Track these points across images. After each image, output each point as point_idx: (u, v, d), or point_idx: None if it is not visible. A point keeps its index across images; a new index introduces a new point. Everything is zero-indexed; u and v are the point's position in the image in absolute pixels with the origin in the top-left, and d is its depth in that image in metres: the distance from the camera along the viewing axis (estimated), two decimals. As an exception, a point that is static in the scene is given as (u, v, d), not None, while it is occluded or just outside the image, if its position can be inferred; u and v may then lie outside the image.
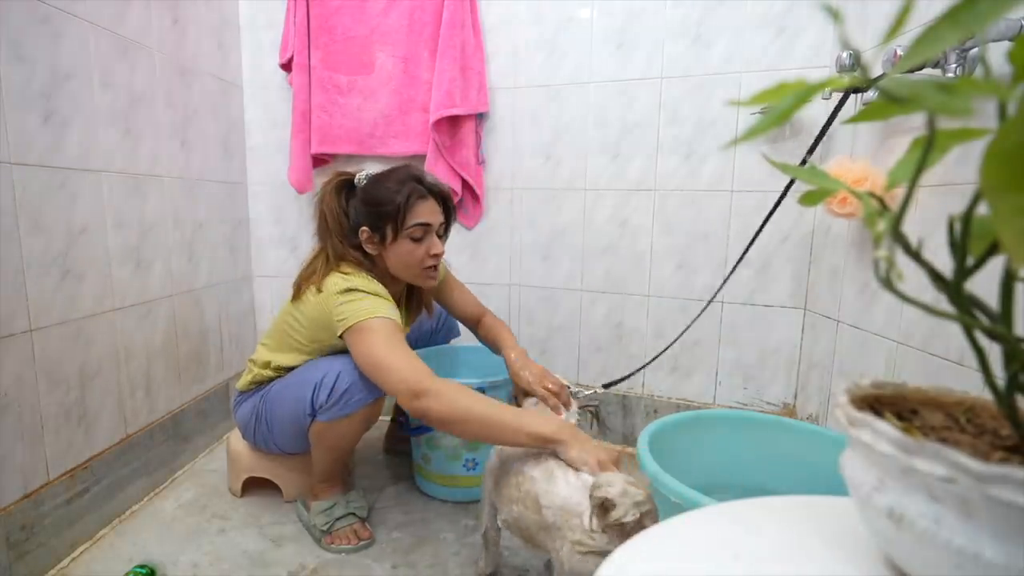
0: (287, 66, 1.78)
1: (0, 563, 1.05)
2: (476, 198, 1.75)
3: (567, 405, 1.15)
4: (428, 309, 1.40)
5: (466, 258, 1.83)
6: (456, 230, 1.81)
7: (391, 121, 1.73)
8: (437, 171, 1.67)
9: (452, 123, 1.67)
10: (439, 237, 1.22)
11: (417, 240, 1.17)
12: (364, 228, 1.18)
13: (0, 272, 1.04)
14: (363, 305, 1.10)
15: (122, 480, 1.35)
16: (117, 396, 1.35)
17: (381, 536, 1.29)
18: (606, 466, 0.89)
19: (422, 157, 1.70)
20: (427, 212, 1.18)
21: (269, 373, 1.29)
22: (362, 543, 1.23)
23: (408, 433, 1.44)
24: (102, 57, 1.27)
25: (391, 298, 1.18)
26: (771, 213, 1.32)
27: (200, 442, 1.66)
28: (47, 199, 1.14)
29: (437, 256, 1.20)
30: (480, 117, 1.71)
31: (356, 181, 1.24)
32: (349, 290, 1.12)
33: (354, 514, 1.27)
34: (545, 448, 0.94)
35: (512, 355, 1.27)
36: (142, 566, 1.12)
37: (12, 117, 1.06)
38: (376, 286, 1.16)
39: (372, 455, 1.69)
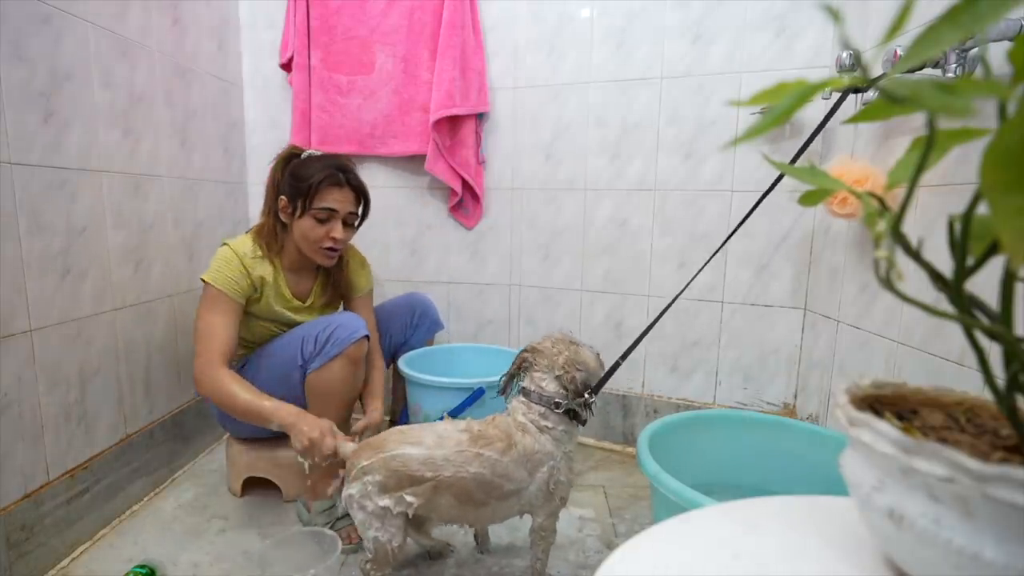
0: (287, 66, 1.78)
1: (0, 563, 1.05)
2: (476, 198, 1.75)
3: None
4: (344, 295, 1.45)
5: (466, 258, 1.83)
6: (456, 230, 1.81)
7: (391, 121, 1.73)
8: (437, 171, 1.67)
9: (452, 123, 1.67)
10: (346, 226, 1.30)
11: (321, 221, 1.26)
12: (283, 197, 1.28)
13: (0, 272, 1.04)
14: (216, 264, 1.24)
15: (122, 480, 1.35)
16: (117, 396, 1.35)
17: (381, 536, 1.29)
18: (325, 435, 1.07)
19: (422, 157, 1.70)
20: (337, 198, 1.26)
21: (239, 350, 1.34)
22: (359, 545, 1.23)
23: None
24: (102, 57, 1.26)
25: (256, 265, 1.27)
26: (752, 210, 1.30)
27: (200, 442, 1.66)
28: (47, 199, 1.14)
29: (335, 240, 1.27)
30: (480, 117, 1.71)
31: (301, 156, 1.31)
32: (224, 243, 1.27)
33: None
34: (285, 428, 1.11)
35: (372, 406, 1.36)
36: (142, 566, 1.12)
37: (12, 117, 1.06)
38: (246, 248, 1.27)
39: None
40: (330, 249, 1.29)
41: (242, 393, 1.14)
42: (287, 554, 1.00)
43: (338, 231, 1.27)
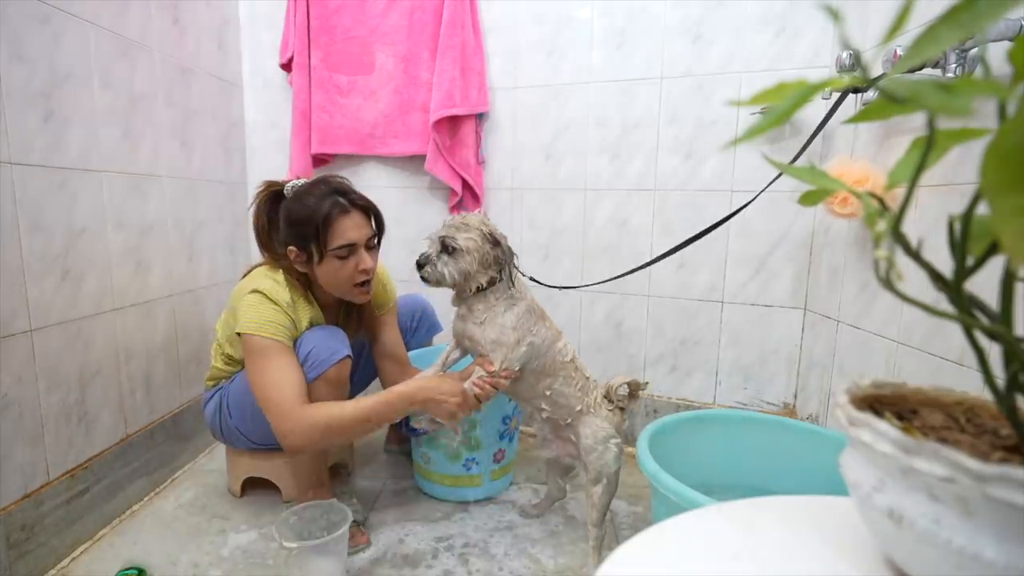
0: (287, 66, 1.78)
1: (0, 563, 1.05)
2: (476, 198, 1.75)
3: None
4: (368, 332, 1.36)
5: (466, 258, 1.82)
6: (456, 230, 1.81)
7: (391, 121, 1.73)
8: (437, 171, 1.67)
9: (452, 123, 1.67)
10: (369, 250, 1.19)
11: (343, 259, 1.15)
12: (291, 248, 1.17)
13: (0, 272, 1.04)
14: (255, 313, 1.13)
15: (122, 480, 1.35)
16: (117, 396, 1.35)
17: (381, 535, 1.29)
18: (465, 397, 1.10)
19: (422, 157, 1.70)
20: (351, 230, 1.15)
21: (219, 365, 1.32)
22: (357, 548, 1.23)
23: (408, 433, 1.44)
24: (102, 57, 1.26)
25: (299, 310, 1.18)
26: (737, 211, 1.30)
27: (200, 442, 1.66)
28: (47, 199, 1.14)
29: (366, 271, 1.18)
30: (480, 117, 1.71)
31: (285, 192, 1.21)
32: (255, 291, 1.15)
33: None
34: (417, 404, 1.11)
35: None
36: (130, 568, 1.13)
37: (12, 117, 1.06)
38: (284, 294, 1.16)
39: (373, 454, 1.69)
40: (363, 284, 1.20)
41: (346, 408, 1.07)
42: (302, 524, 1.10)
43: (365, 261, 1.17)
